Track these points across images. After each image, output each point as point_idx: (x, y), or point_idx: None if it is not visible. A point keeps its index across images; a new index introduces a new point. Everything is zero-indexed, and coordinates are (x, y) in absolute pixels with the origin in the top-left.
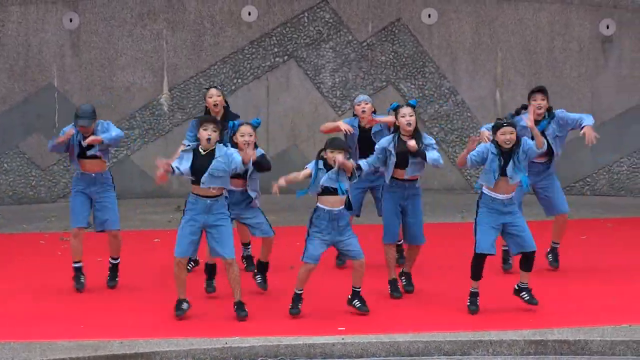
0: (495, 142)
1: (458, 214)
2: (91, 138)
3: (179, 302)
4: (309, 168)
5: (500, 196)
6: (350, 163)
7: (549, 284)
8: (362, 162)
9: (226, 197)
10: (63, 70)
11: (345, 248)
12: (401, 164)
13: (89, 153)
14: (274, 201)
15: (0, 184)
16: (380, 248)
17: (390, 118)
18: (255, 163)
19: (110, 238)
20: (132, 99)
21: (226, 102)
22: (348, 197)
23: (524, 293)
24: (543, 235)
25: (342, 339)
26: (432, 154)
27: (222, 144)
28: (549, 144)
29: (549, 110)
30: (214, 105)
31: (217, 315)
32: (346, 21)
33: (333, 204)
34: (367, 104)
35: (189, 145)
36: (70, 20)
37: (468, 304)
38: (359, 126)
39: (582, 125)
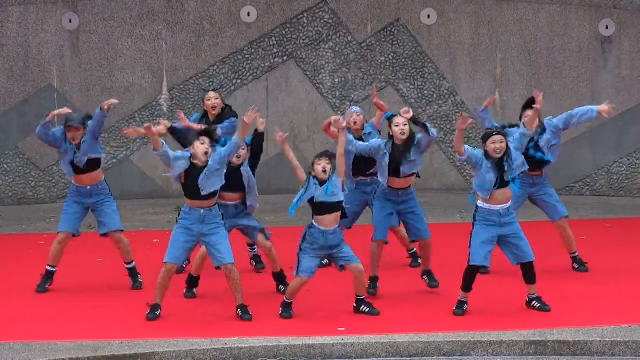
0: (485, 152)
1: (457, 214)
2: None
3: (155, 307)
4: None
5: (496, 207)
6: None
7: (548, 285)
8: (352, 141)
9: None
10: (63, 70)
11: (339, 256)
12: (394, 172)
13: (82, 159)
14: (273, 201)
15: (0, 185)
16: None
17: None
18: (253, 141)
19: (116, 243)
20: (131, 100)
21: (225, 104)
22: (343, 207)
23: (535, 302)
24: (544, 235)
25: (342, 339)
26: (410, 167)
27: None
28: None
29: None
30: (212, 107)
31: (216, 316)
32: (345, 22)
33: (329, 224)
34: (358, 115)
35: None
36: (70, 21)
37: (455, 308)
38: (355, 137)
39: (594, 114)
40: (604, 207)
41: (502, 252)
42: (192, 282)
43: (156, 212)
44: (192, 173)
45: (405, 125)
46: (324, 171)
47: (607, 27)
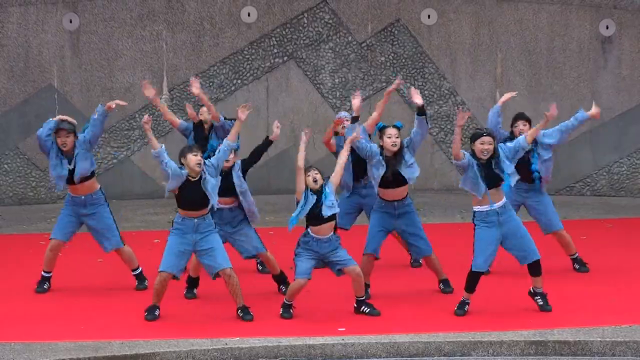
0: (472, 152)
1: (458, 214)
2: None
3: (153, 307)
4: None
5: (493, 206)
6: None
7: (549, 285)
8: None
9: (212, 215)
10: (63, 71)
11: (335, 260)
12: (386, 184)
13: (75, 178)
14: (273, 201)
15: (1, 185)
16: None
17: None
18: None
19: (119, 255)
20: (132, 100)
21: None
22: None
23: (539, 298)
24: (544, 234)
25: (342, 339)
26: (411, 171)
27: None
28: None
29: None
30: (204, 122)
31: (217, 316)
32: (346, 22)
33: (324, 233)
34: (347, 120)
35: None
36: (70, 21)
37: (456, 308)
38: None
39: (585, 117)
40: (605, 207)
41: (508, 253)
42: (192, 282)
43: (157, 212)
44: (186, 185)
45: (397, 137)
46: (315, 181)
47: (607, 27)
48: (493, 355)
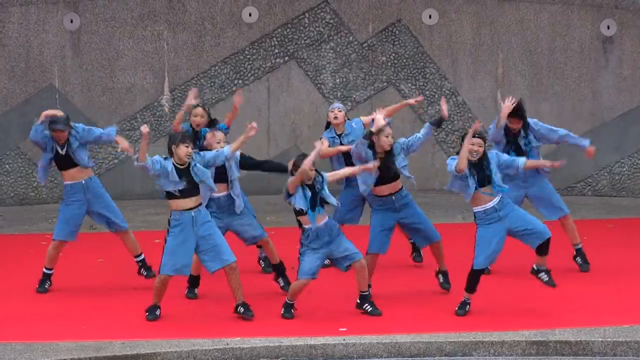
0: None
1: (459, 214)
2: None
3: (154, 307)
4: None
5: (489, 205)
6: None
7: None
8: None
9: (210, 205)
10: (64, 71)
11: (341, 254)
12: (381, 180)
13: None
14: (274, 202)
15: (2, 185)
16: None
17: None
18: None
19: (123, 239)
20: (133, 100)
21: (210, 118)
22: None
23: (543, 274)
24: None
25: (344, 339)
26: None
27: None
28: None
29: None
30: (197, 125)
31: (218, 316)
32: (347, 22)
33: (319, 220)
34: (340, 111)
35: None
36: (71, 21)
37: (457, 308)
38: (337, 134)
39: (581, 146)
40: (606, 207)
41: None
42: (193, 281)
43: (157, 212)
44: (183, 175)
45: (392, 136)
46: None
47: (608, 27)
48: (494, 356)
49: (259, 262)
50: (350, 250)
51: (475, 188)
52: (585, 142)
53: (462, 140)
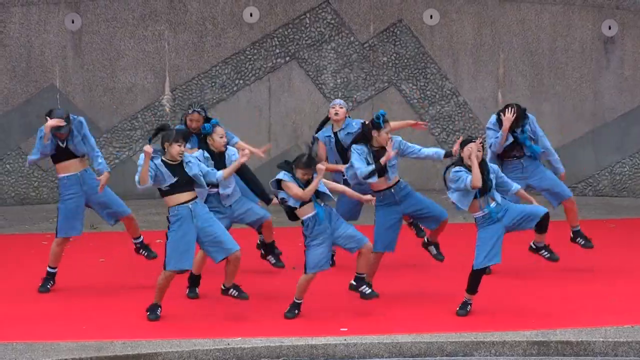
0: (460, 159)
1: (459, 214)
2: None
3: (155, 306)
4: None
5: (487, 210)
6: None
7: (551, 285)
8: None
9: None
10: (65, 71)
11: (346, 241)
12: (380, 173)
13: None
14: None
15: (3, 185)
16: None
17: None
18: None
19: (127, 222)
20: (134, 100)
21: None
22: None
23: (544, 251)
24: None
25: (345, 339)
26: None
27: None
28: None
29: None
30: (193, 129)
31: (219, 316)
32: (348, 22)
33: (310, 210)
34: (341, 107)
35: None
36: (72, 22)
37: (458, 308)
38: (334, 132)
39: (556, 168)
40: (607, 207)
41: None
42: (194, 281)
43: (158, 212)
44: (177, 173)
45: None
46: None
47: (609, 28)
48: (495, 356)
49: (257, 247)
50: (356, 235)
51: (474, 197)
52: (561, 169)
53: (461, 147)
